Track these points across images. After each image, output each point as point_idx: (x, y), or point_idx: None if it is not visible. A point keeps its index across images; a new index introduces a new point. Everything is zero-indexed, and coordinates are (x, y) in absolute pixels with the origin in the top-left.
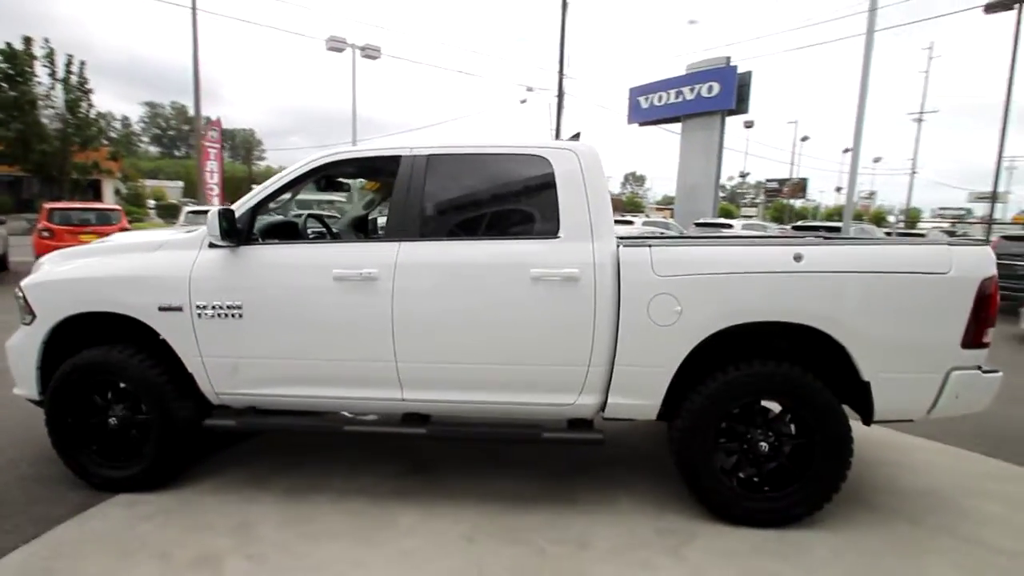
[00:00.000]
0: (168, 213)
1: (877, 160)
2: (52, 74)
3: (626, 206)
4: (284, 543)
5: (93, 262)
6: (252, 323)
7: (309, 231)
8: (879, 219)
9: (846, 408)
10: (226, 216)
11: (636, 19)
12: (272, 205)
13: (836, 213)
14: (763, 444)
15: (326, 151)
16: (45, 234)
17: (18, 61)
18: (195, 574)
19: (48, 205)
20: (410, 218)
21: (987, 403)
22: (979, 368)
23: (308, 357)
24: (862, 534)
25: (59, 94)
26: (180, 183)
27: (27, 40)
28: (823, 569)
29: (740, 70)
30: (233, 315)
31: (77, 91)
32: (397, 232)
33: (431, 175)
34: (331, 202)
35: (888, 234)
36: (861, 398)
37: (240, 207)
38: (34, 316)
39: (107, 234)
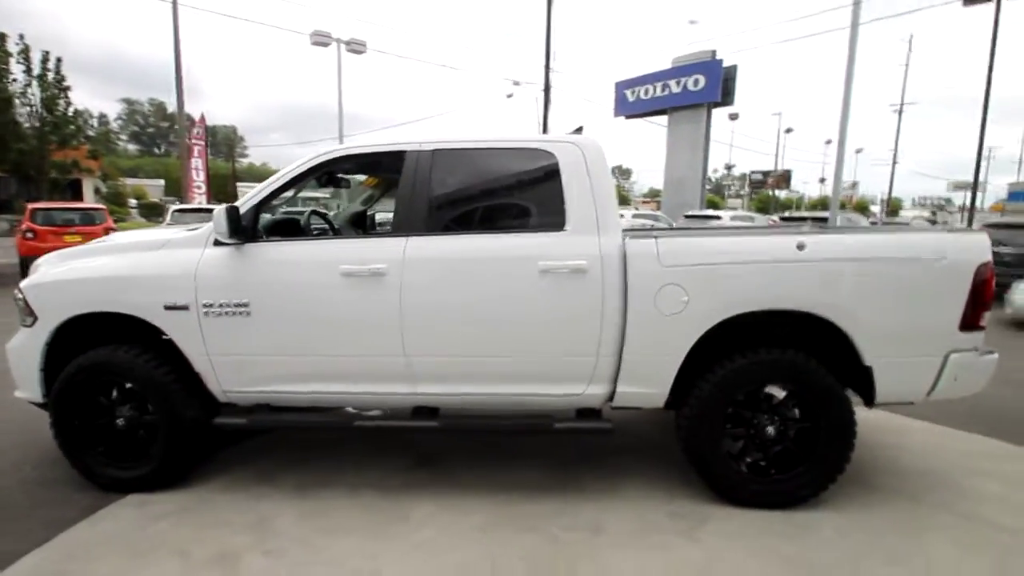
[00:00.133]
0: (151, 212)
1: (859, 151)
2: (28, 71)
3: None
4: (301, 538)
5: (95, 262)
6: (260, 320)
7: (312, 228)
8: (862, 208)
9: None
10: (232, 214)
11: (620, 13)
12: (275, 202)
13: (820, 204)
14: (769, 429)
15: (330, 148)
16: (29, 235)
17: None
18: (215, 571)
19: (31, 206)
20: (417, 213)
21: (984, 384)
22: (976, 350)
23: (317, 353)
24: (865, 513)
25: (35, 92)
26: (161, 181)
27: (1, 36)
28: (830, 548)
29: (725, 63)
30: (240, 313)
31: (54, 88)
32: (404, 227)
33: (437, 170)
34: (316, 199)
35: (873, 223)
36: (863, 382)
37: (244, 204)
38: (35, 318)
39: (92, 234)
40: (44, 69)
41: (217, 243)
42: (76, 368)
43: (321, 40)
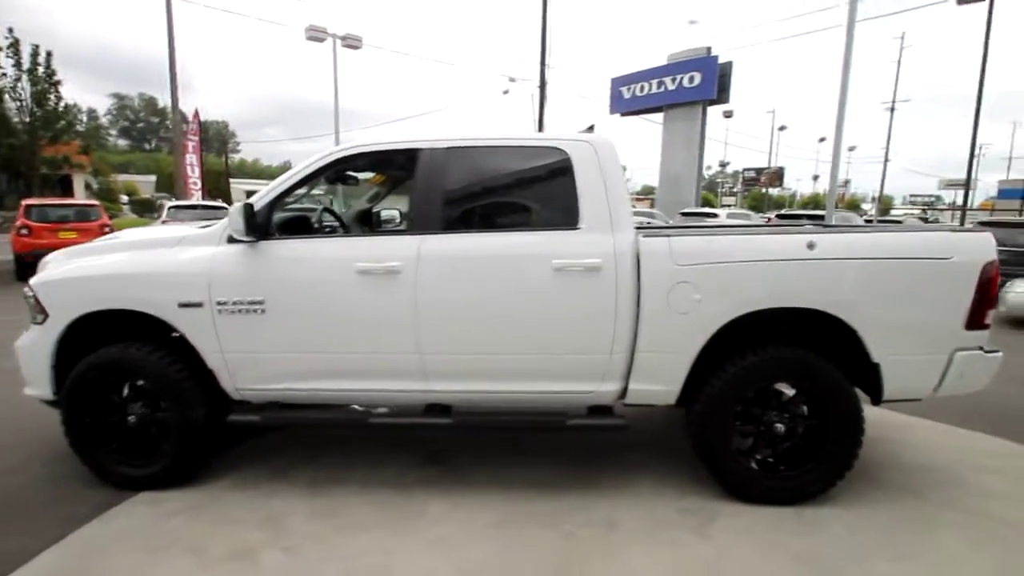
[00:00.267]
0: (143, 208)
1: (852, 149)
2: (17, 65)
3: None
4: (317, 535)
5: (106, 259)
6: (274, 318)
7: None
8: (853, 206)
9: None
10: (248, 211)
11: (616, 9)
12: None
13: (812, 201)
14: (779, 425)
15: (344, 145)
16: (23, 231)
17: None
18: (233, 567)
19: (26, 202)
20: (432, 211)
21: (987, 382)
22: (981, 348)
23: (331, 351)
24: (873, 510)
25: (25, 86)
26: (152, 177)
27: None
28: (840, 544)
29: (720, 60)
30: (255, 310)
31: (45, 83)
32: (419, 225)
33: (451, 168)
34: (310, 196)
35: (868, 221)
36: (870, 379)
37: (258, 202)
38: (46, 315)
39: (87, 231)
40: (34, 63)
41: (231, 240)
42: (88, 366)
43: (316, 35)
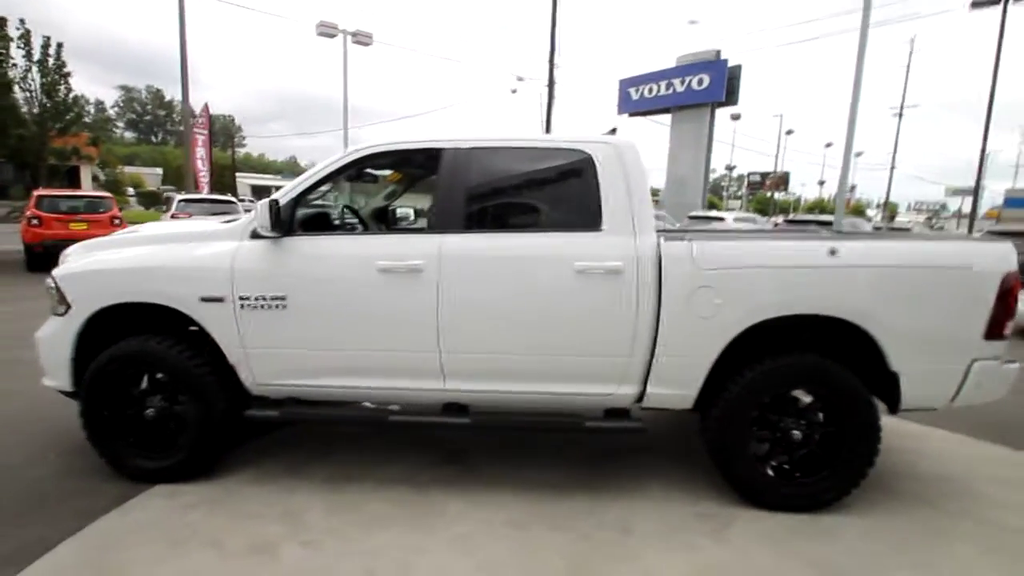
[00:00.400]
0: (150, 201)
1: (859, 154)
2: (28, 56)
3: None
4: (336, 530)
5: (129, 252)
6: (297, 314)
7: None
8: (858, 211)
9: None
10: (274, 207)
11: (626, 11)
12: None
13: (817, 206)
14: (795, 432)
15: (367, 143)
16: (34, 222)
17: None
18: (254, 560)
19: (37, 192)
20: (454, 210)
21: (1004, 392)
22: (998, 359)
23: (351, 348)
24: (888, 518)
25: (35, 77)
26: (159, 170)
27: (1, 20)
28: (856, 552)
29: (729, 63)
30: (277, 306)
31: (55, 74)
32: (441, 224)
33: (474, 168)
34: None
35: (877, 228)
36: (887, 387)
37: (283, 198)
38: (68, 306)
39: (97, 223)
40: (44, 54)
41: (254, 236)
42: (108, 358)
43: (328, 31)
